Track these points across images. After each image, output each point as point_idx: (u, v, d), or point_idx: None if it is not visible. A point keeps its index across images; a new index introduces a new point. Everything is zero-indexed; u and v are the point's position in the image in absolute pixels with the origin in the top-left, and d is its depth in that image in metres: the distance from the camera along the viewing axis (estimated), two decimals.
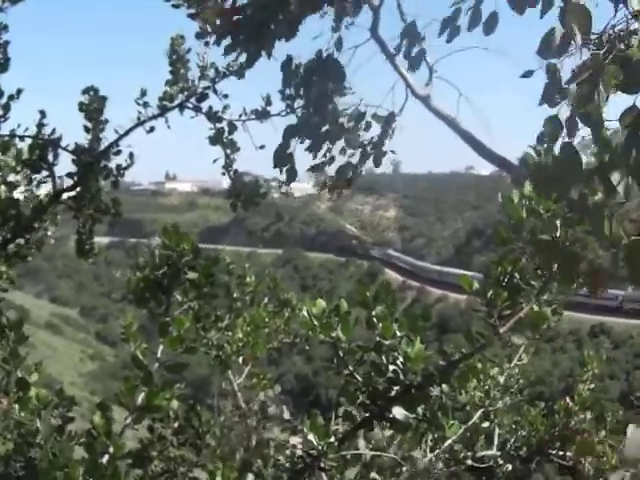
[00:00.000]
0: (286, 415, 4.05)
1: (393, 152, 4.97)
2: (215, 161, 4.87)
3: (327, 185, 5.19)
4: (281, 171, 4.78)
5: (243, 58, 4.51)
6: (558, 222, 2.45)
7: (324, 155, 4.84)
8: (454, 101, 4.78)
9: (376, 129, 4.90)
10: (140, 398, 2.53)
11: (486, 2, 4.52)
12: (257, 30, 4.28)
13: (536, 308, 2.51)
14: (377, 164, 4.99)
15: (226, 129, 4.75)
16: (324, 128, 4.69)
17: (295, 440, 3.85)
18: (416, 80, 4.79)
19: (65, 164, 4.60)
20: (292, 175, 4.79)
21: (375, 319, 2.44)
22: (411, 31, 4.60)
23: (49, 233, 4.78)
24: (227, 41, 4.39)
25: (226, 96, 4.70)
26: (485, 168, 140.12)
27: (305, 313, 2.48)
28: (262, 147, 4.81)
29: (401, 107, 4.83)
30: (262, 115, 4.73)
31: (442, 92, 4.88)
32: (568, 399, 6.35)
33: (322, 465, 2.67)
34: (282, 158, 4.67)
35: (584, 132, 2.18)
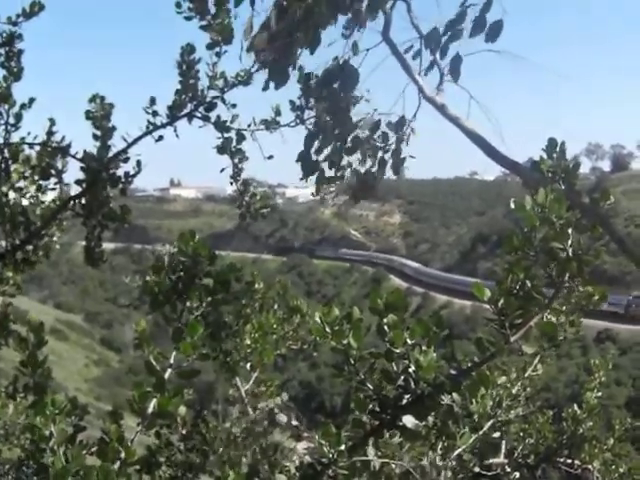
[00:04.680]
0: (294, 422, 4.06)
1: (412, 157, 4.96)
2: (222, 170, 4.87)
3: (346, 193, 5.17)
4: (307, 180, 4.80)
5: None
6: (570, 230, 2.46)
7: (342, 167, 4.85)
8: (459, 101, 4.77)
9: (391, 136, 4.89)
10: (152, 405, 2.54)
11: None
12: (286, 44, 4.32)
13: (548, 317, 2.51)
14: (396, 172, 4.98)
15: (234, 138, 4.75)
16: (341, 141, 4.71)
17: (300, 446, 3.85)
18: (425, 81, 4.77)
19: (74, 171, 4.63)
20: (321, 182, 4.81)
21: (386, 327, 2.44)
22: (434, 39, 4.58)
23: (54, 239, 4.80)
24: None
25: (234, 106, 4.71)
26: (489, 173, 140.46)
27: (318, 320, 2.49)
28: (270, 157, 4.82)
29: (414, 113, 4.83)
30: (271, 125, 4.74)
31: (450, 94, 4.86)
32: (575, 406, 6.34)
33: (331, 473, 2.67)
34: (309, 168, 4.68)
35: None
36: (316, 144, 4.72)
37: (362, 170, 4.96)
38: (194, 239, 2.67)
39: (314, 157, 4.73)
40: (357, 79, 4.63)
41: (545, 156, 3.20)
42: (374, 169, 4.94)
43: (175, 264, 2.67)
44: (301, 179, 4.85)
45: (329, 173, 4.85)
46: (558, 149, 3.20)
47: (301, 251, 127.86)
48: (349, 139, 4.75)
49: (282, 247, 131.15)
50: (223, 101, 4.67)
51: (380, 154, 4.88)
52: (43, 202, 4.74)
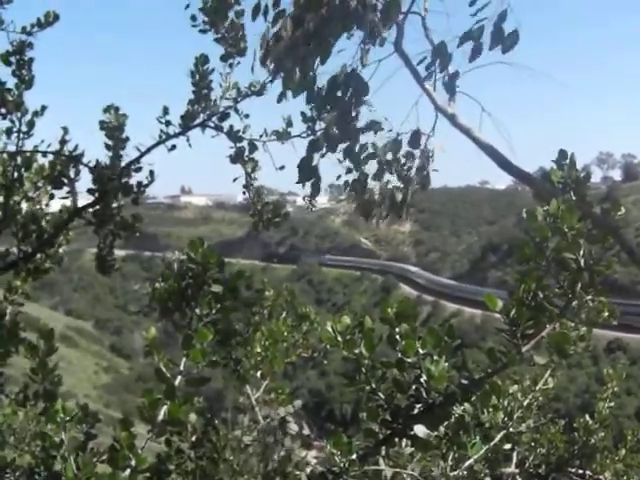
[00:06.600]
0: (306, 431, 4.05)
1: (436, 170, 4.95)
2: (235, 180, 4.90)
3: (373, 213, 5.15)
4: (303, 185, 4.81)
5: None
6: (582, 240, 2.46)
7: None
8: (470, 114, 4.77)
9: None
10: (162, 412, 2.54)
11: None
12: (298, 51, 4.35)
13: (559, 328, 2.50)
14: (425, 187, 4.99)
15: (246, 148, 4.78)
16: (366, 167, 4.74)
17: (310, 455, 3.84)
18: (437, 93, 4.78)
19: (86, 180, 4.65)
20: (316, 189, 4.82)
21: (398, 336, 2.44)
22: (441, 52, 4.60)
23: (65, 248, 4.81)
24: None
25: (247, 116, 4.74)
26: (500, 182, 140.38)
27: (329, 329, 2.49)
28: (282, 168, 4.84)
29: (432, 127, 4.84)
30: (283, 136, 4.75)
31: (460, 104, 4.85)
32: (587, 417, 6.30)
33: None
34: (307, 172, 4.70)
35: None
36: (321, 151, 4.74)
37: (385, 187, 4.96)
38: (203, 246, 2.67)
39: (314, 162, 4.74)
40: (367, 89, 4.64)
41: (555, 167, 3.20)
42: (400, 187, 4.93)
43: (184, 271, 2.67)
44: (296, 183, 4.85)
45: (325, 181, 4.87)
46: (568, 160, 3.20)
47: (287, 258, 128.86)
48: (375, 163, 4.77)
49: (270, 253, 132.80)
50: (236, 111, 4.70)
51: (405, 172, 4.88)
52: (55, 211, 4.76)
